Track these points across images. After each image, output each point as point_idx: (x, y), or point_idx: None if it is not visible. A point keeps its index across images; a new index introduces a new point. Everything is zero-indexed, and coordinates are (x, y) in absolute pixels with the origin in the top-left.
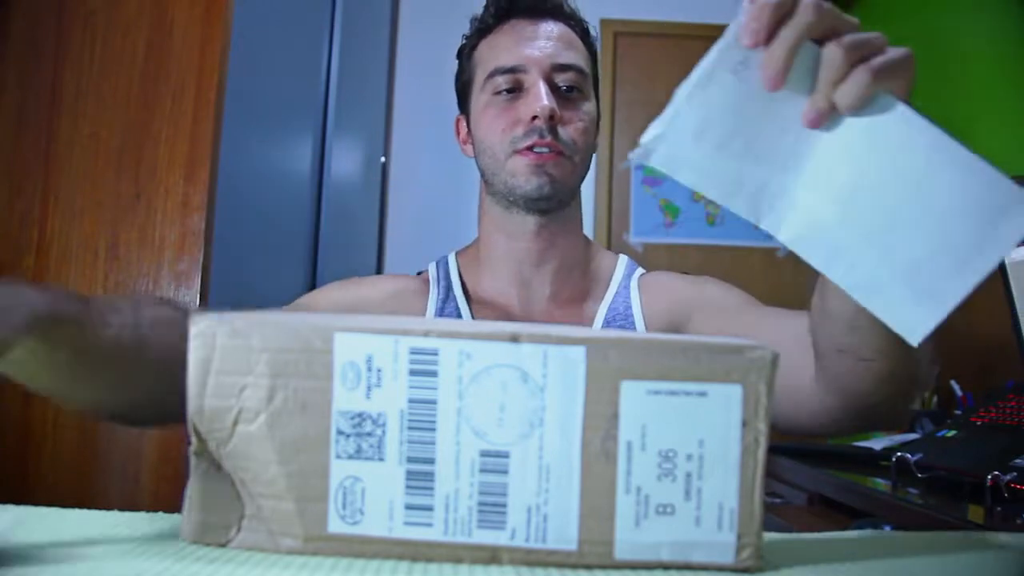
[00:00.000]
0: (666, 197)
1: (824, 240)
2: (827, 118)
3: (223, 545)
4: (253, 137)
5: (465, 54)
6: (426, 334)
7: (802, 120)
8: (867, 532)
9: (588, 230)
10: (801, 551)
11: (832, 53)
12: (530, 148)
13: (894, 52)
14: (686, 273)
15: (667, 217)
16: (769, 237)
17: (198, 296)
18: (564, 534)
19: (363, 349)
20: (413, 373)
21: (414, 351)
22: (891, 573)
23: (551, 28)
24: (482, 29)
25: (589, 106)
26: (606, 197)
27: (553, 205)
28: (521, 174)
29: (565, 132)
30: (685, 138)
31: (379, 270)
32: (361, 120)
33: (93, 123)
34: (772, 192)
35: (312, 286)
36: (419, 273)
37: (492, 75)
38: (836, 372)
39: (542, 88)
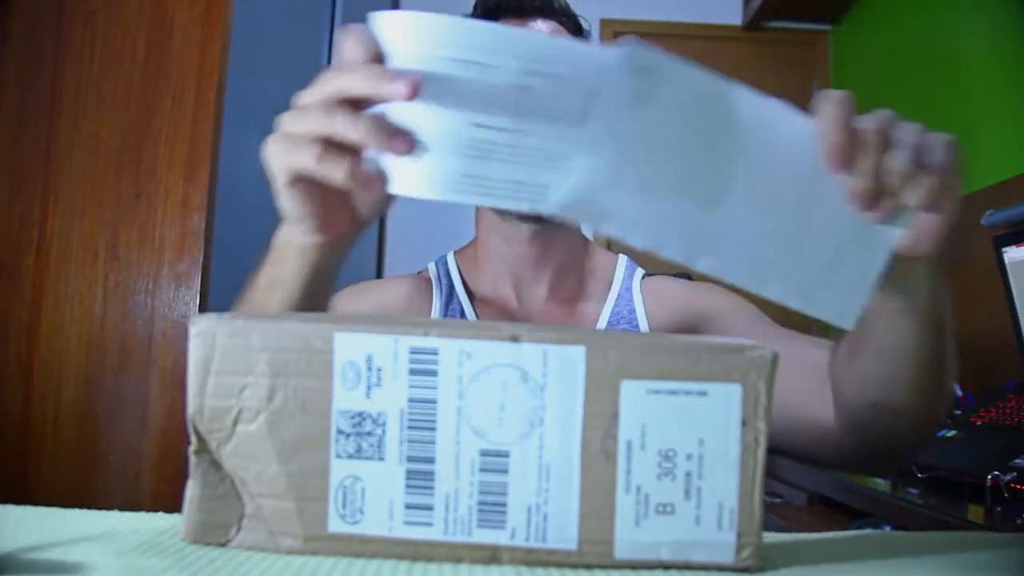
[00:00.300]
0: None
1: (758, 263)
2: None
3: (223, 545)
4: (253, 137)
5: None
6: (426, 333)
7: (877, 217)
8: (867, 532)
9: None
10: (801, 551)
11: (901, 163)
12: None
13: (943, 151)
14: (687, 277)
15: None
16: None
17: (198, 296)
18: (564, 533)
19: (363, 348)
20: (413, 372)
21: (414, 350)
22: (891, 573)
23: (539, 28)
24: None
25: None
26: None
27: (544, 218)
28: None
29: None
30: (600, 184)
31: (379, 270)
32: None
33: (93, 123)
34: (705, 230)
35: None
36: (419, 273)
37: None
38: (864, 423)
39: None
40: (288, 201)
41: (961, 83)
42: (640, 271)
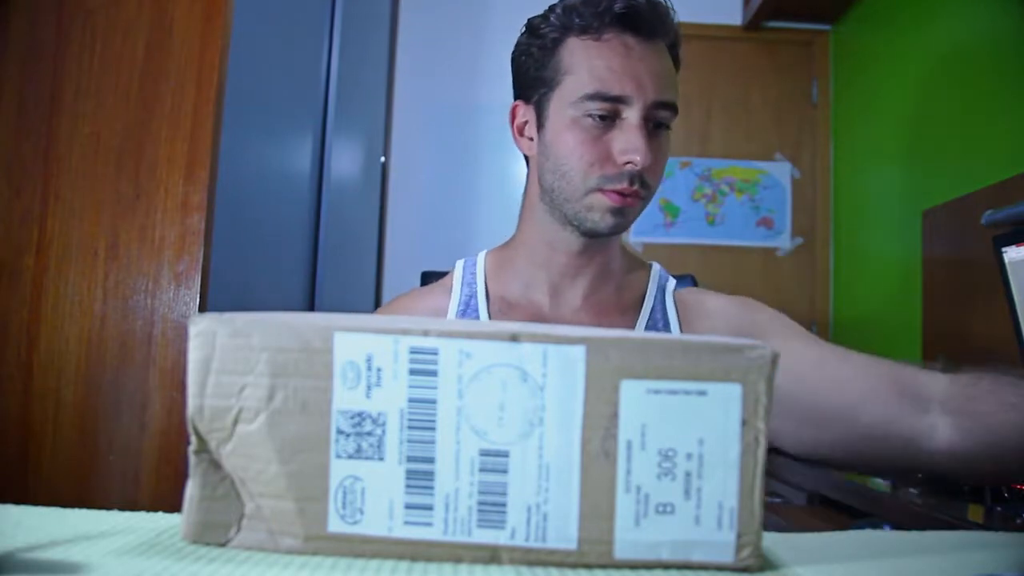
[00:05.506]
0: (666, 197)
1: None
2: None
3: (223, 545)
4: (253, 137)
5: (548, 41)
6: (426, 333)
7: None
8: (867, 532)
9: None
10: (801, 551)
11: None
12: (616, 191)
13: None
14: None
15: (667, 217)
16: (769, 237)
17: (198, 296)
18: (564, 533)
19: (363, 348)
20: (413, 372)
21: (414, 350)
22: (891, 573)
23: (659, 56)
24: (582, 27)
25: (668, 140)
26: None
27: (602, 232)
28: (598, 211)
29: (649, 175)
30: None
31: (379, 270)
32: (361, 120)
33: (93, 123)
34: None
35: (312, 286)
36: (447, 273)
37: (592, 97)
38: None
39: (640, 134)
40: None
41: (961, 83)
42: (671, 281)
